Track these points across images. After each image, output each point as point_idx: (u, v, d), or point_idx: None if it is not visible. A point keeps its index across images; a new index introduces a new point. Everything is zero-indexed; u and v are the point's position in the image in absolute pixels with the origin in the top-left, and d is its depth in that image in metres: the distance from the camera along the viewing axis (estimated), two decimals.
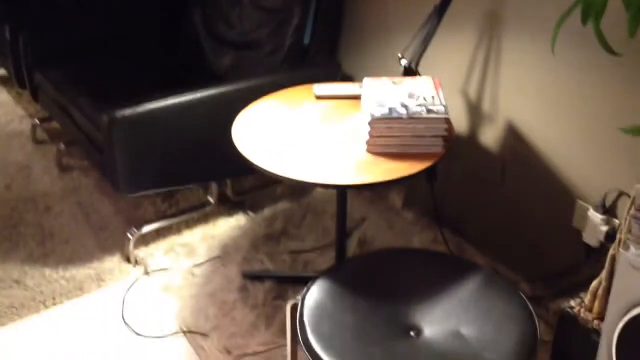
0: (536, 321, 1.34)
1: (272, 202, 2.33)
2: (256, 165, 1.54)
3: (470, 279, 1.46)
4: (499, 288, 1.43)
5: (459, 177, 2.04)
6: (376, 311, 1.42)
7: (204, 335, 1.81)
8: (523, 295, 1.39)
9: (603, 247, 1.62)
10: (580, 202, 1.70)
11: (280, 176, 1.51)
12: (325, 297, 1.44)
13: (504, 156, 1.88)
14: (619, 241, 1.33)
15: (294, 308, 1.43)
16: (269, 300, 1.93)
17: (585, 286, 1.45)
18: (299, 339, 1.38)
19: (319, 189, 2.38)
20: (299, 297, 1.44)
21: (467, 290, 1.43)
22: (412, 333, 1.37)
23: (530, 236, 1.89)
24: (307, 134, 1.67)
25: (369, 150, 1.58)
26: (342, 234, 1.81)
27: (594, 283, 1.41)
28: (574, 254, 1.73)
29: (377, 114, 1.55)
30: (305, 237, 2.16)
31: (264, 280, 1.98)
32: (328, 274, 1.50)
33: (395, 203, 2.29)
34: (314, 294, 1.44)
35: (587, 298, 1.42)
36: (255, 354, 1.77)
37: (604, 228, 1.59)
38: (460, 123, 1.98)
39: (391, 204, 2.30)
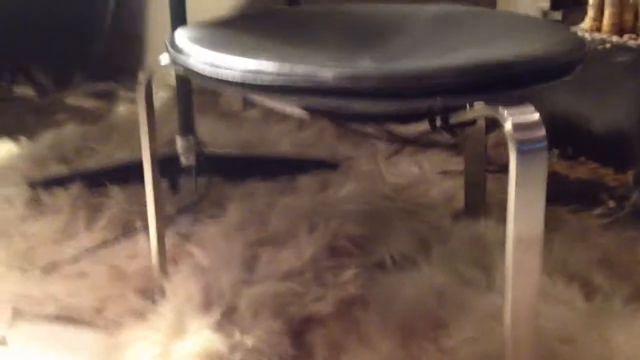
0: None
1: (55, 127, 1.61)
2: None
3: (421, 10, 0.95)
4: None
5: None
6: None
7: None
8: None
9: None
10: None
11: None
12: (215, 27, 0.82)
13: None
14: None
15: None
16: (81, 201, 1.21)
17: None
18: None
19: (121, 108, 1.72)
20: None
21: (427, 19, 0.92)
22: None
23: None
24: None
25: None
26: None
27: None
28: None
29: None
30: (114, 153, 1.47)
31: (66, 186, 1.26)
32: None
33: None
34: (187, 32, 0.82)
35: (589, 16, 1.03)
36: (72, 261, 1.04)
37: None
38: None
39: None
